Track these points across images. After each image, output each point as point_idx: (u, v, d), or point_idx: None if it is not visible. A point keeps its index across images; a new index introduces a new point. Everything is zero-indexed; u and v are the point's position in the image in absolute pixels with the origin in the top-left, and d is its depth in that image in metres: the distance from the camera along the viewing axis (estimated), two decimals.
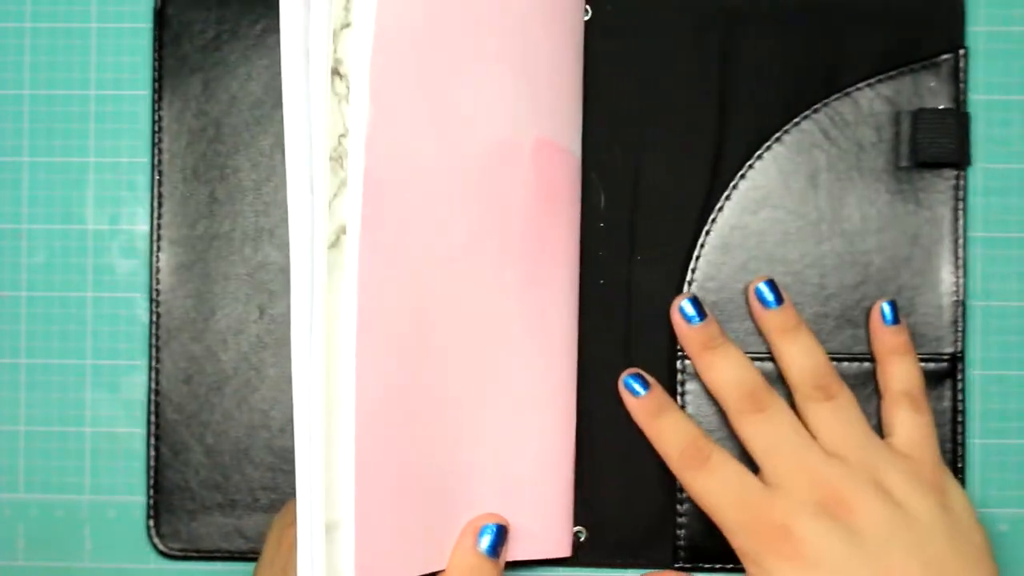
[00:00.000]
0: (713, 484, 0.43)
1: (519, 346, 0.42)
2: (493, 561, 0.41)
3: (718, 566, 0.46)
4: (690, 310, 0.45)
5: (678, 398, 0.46)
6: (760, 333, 0.46)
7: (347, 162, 0.35)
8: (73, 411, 0.48)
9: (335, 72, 0.36)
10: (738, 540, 0.43)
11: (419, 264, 0.37)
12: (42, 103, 0.49)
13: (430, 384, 0.38)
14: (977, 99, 0.47)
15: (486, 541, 0.41)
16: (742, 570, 0.44)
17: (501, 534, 0.41)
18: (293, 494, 0.47)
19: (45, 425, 0.48)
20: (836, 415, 0.43)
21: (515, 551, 0.43)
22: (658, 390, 0.45)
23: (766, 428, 0.43)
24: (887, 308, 0.45)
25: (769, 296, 0.45)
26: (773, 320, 0.45)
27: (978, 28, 0.48)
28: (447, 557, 0.40)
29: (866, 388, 0.46)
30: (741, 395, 0.44)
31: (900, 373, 0.45)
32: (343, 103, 0.36)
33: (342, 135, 0.36)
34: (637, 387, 0.45)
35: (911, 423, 0.44)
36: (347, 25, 0.36)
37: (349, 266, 0.35)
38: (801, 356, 0.45)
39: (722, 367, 0.45)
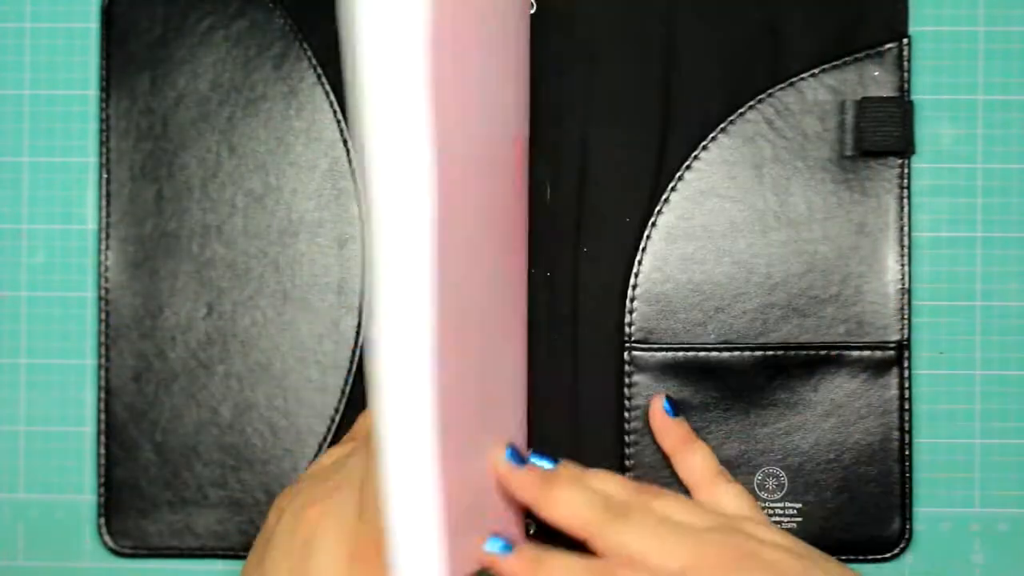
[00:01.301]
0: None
1: (498, 340, 0.43)
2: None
3: None
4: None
5: (625, 389, 0.46)
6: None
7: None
8: (73, 411, 0.48)
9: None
10: None
11: (463, 254, 0.37)
12: (42, 103, 0.49)
13: (470, 378, 0.38)
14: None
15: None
16: None
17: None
18: (242, 490, 0.47)
19: (45, 425, 0.48)
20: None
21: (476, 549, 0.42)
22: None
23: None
24: (667, 405, 0.46)
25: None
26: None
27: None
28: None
29: (811, 376, 0.46)
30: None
31: (701, 459, 0.45)
32: None
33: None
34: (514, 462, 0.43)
35: (735, 494, 0.44)
36: None
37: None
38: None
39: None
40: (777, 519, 0.46)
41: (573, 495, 0.41)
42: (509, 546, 0.41)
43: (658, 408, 0.46)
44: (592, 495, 0.41)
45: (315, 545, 0.39)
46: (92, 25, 0.49)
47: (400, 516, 0.34)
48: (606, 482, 0.42)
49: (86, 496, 0.48)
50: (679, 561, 0.38)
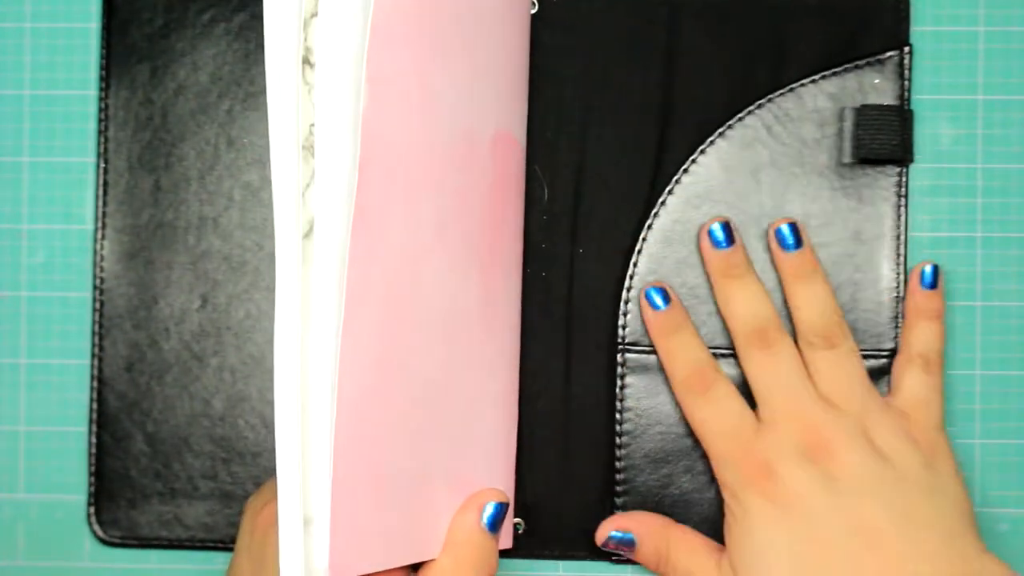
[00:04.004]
0: (711, 412, 0.44)
1: (476, 339, 0.43)
2: (493, 536, 0.41)
3: None
4: (719, 234, 0.45)
5: (618, 391, 0.46)
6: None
7: (317, 151, 0.35)
8: (73, 411, 0.48)
9: (305, 61, 0.36)
10: (723, 472, 0.43)
11: (397, 254, 0.37)
12: (42, 103, 0.49)
13: (403, 376, 0.38)
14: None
15: (487, 515, 0.41)
16: None
17: (503, 511, 0.41)
18: (233, 482, 0.47)
19: (45, 425, 0.48)
20: (836, 364, 0.44)
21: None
22: (678, 309, 0.46)
23: (769, 366, 0.44)
24: (928, 272, 0.45)
25: (789, 239, 0.45)
26: (789, 263, 0.45)
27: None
28: (424, 549, 0.40)
29: None
30: (752, 329, 0.44)
31: (923, 335, 0.45)
32: (312, 92, 0.36)
33: (312, 124, 0.36)
34: (658, 300, 0.46)
35: (919, 383, 0.44)
36: (315, 15, 0.36)
37: (324, 257, 0.35)
38: (809, 302, 0.45)
39: (739, 298, 0.45)
40: None
41: (745, 299, 0.45)
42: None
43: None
44: (766, 310, 0.45)
45: (270, 542, 0.39)
46: (92, 25, 0.49)
47: (283, 510, 0.34)
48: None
49: (86, 496, 0.48)
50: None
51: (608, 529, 0.45)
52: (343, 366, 0.35)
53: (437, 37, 0.39)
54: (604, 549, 0.45)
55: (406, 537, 0.39)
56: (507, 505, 0.41)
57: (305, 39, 0.35)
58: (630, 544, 0.45)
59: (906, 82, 0.47)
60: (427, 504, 0.40)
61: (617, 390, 0.46)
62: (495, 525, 0.41)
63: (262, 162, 0.48)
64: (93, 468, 0.48)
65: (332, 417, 0.35)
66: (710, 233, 0.45)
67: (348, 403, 0.35)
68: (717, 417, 0.43)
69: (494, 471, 0.44)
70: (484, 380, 0.43)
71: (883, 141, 0.46)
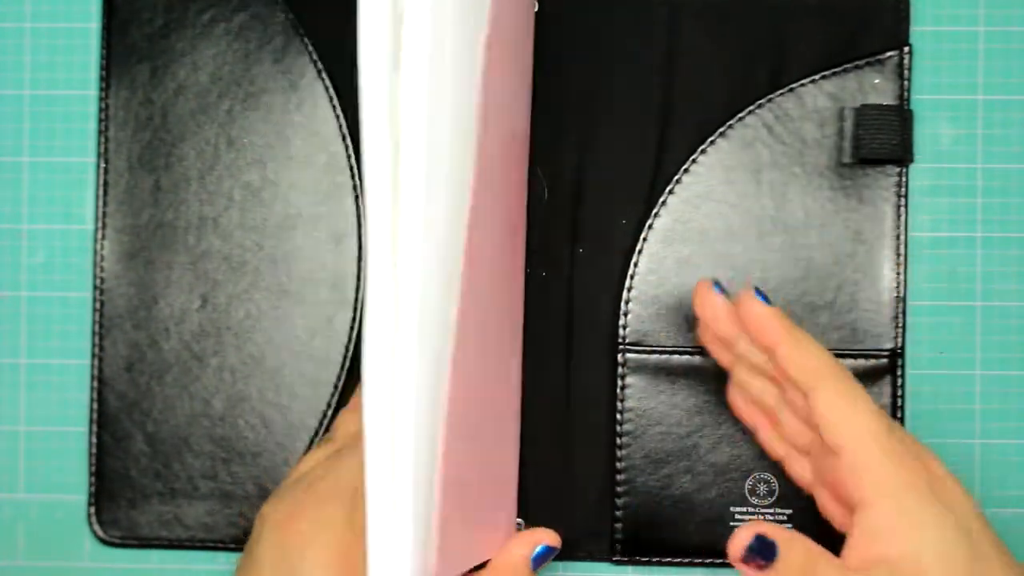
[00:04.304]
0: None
1: (506, 341, 0.43)
2: (534, 571, 0.43)
3: (655, 560, 0.46)
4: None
5: (618, 391, 0.46)
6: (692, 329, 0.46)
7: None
8: (73, 411, 0.48)
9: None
10: (880, 469, 0.37)
11: (489, 257, 0.37)
12: (42, 103, 0.49)
13: (477, 383, 0.38)
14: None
15: (536, 553, 0.42)
16: (677, 564, 0.44)
17: (551, 553, 0.43)
18: (233, 482, 0.47)
19: (45, 425, 0.48)
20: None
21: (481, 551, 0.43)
22: None
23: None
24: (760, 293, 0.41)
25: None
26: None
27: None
28: (474, 555, 0.40)
29: None
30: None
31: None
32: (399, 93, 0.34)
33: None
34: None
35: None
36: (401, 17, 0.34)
37: (411, 263, 0.33)
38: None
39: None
40: None
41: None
42: None
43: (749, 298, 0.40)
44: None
45: (306, 559, 0.39)
46: (92, 25, 0.49)
47: (376, 517, 0.33)
48: None
49: (86, 496, 0.48)
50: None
51: (752, 532, 0.37)
52: (453, 378, 0.34)
53: (502, 40, 0.39)
54: (738, 557, 0.38)
55: (470, 544, 0.39)
56: (557, 549, 0.43)
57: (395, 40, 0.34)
58: (771, 553, 0.37)
59: (906, 82, 0.47)
60: (478, 511, 0.40)
61: (617, 390, 0.46)
62: (539, 563, 0.42)
63: (262, 162, 0.48)
64: (93, 468, 0.48)
65: (436, 428, 0.34)
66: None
67: (455, 416, 0.35)
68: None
69: (503, 472, 0.44)
70: (503, 381, 0.43)
71: (883, 141, 0.46)
